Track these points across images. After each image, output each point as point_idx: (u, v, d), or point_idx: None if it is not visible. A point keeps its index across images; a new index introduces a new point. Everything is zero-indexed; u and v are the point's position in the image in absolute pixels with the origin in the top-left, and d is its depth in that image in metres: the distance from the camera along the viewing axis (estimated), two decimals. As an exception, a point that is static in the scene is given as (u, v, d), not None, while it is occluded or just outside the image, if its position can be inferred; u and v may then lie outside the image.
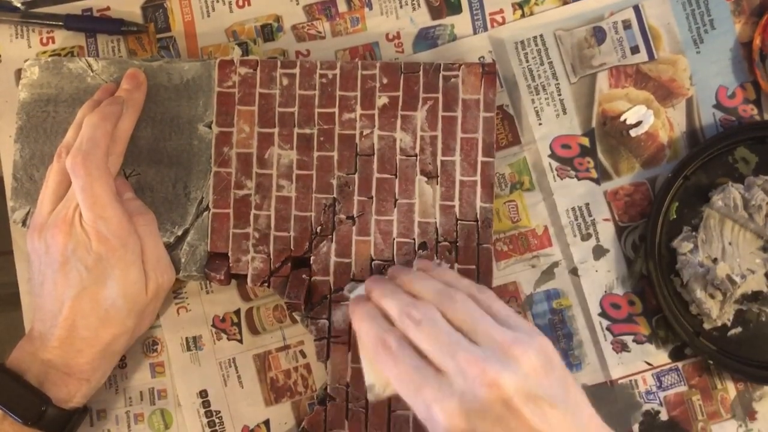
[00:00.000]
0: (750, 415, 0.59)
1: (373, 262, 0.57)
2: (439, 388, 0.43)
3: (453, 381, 0.42)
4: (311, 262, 0.58)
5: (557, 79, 0.62)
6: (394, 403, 0.56)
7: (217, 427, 0.60)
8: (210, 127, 0.60)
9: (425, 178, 0.58)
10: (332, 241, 0.58)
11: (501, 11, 0.63)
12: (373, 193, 0.58)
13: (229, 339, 0.61)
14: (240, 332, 0.61)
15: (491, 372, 0.42)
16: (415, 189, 0.58)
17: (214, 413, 0.60)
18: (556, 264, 0.60)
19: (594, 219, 0.61)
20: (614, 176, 0.61)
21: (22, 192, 0.60)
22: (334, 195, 0.58)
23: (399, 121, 0.58)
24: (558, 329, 0.60)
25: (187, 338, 0.61)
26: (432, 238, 0.57)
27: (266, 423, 0.60)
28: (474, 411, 0.42)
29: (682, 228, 0.59)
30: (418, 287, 0.48)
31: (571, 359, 0.59)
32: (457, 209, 0.57)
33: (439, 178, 0.58)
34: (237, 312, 0.61)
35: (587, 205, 0.61)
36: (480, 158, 0.57)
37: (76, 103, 0.60)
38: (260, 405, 0.60)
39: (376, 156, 0.58)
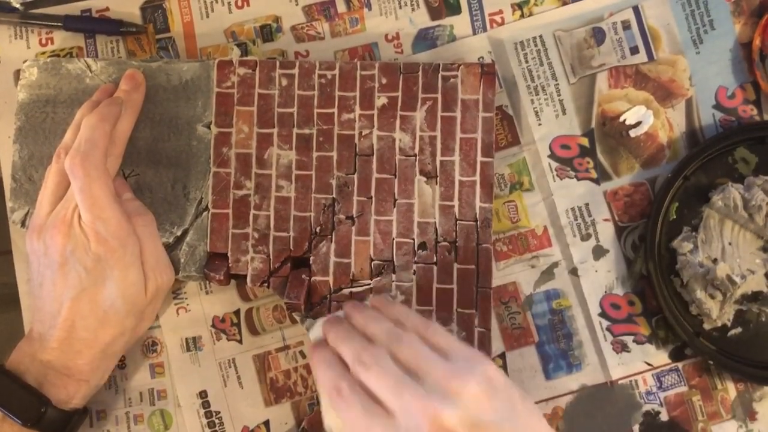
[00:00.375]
0: (750, 415, 0.59)
1: (372, 262, 0.57)
2: (386, 429, 0.44)
3: (399, 421, 0.44)
4: (311, 262, 0.58)
5: (557, 80, 0.62)
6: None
7: (216, 428, 0.60)
8: (209, 128, 0.60)
9: (424, 178, 0.58)
10: (332, 242, 0.58)
11: (500, 12, 0.63)
12: (373, 193, 0.58)
13: (228, 339, 0.61)
14: (240, 333, 0.61)
15: (431, 408, 0.43)
16: (414, 189, 0.58)
17: (214, 414, 0.60)
18: (555, 264, 0.60)
19: (594, 219, 0.61)
20: (614, 176, 0.61)
21: (21, 193, 0.60)
22: (334, 195, 0.58)
23: (398, 122, 0.58)
24: (558, 329, 0.60)
25: (186, 339, 0.61)
26: (431, 238, 0.57)
27: (266, 423, 0.60)
28: None
29: (682, 228, 0.59)
30: (370, 330, 0.50)
31: (571, 359, 0.59)
32: (456, 209, 0.57)
33: (438, 178, 0.58)
34: (236, 312, 0.61)
35: (587, 205, 0.61)
36: (479, 158, 0.57)
37: (74, 103, 0.60)
38: (260, 405, 0.60)
39: (375, 156, 0.58)
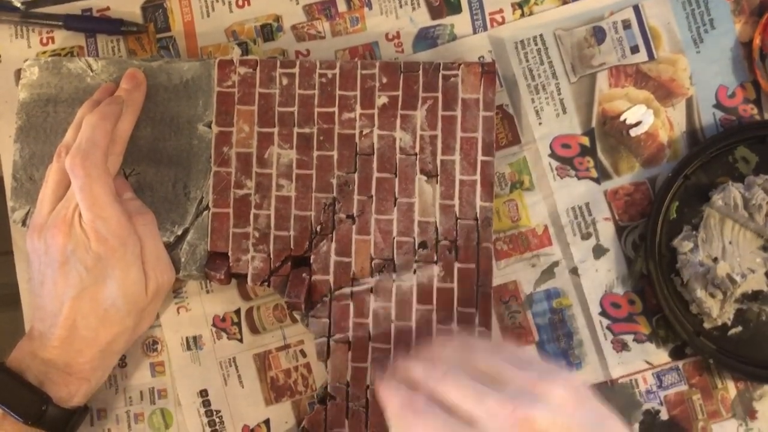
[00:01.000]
0: (750, 414, 0.59)
1: (373, 261, 0.57)
2: None
3: (485, 427, 0.41)
4: (311, 261, 0.58)
5: (557, 79, 0.62)
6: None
7: (217, 427, 0.60)
8: (210, 127, 0.60)
9: (425, 178, 0.58)
10: (332, 240, 0.58)
11: (501, 11, 0.63)
12: (373, 192, 0.58)
13: (229, 338, 0.61)
14: (240, 331, 0.61)
15: (522, 409, 0.40)
16: (414, 188, 0.58)
17: (215, 413, 0.60)
18: (556, 263, 0.60)
19: (594, 218, 0.61)
20: (614, 176, 0.61)
21: (21, 192, 0.60)
22: (334, 194, 0.58)
23: (398, 121, 0.58)
24: (558, 329, 0.60)
25: (187, 338, 0.61)
26: (432, 237, 0.57)
27: (266, 422, 0.60)
28: None
29: (683, 227, 0.59)
30: (438, 352, 0.47)
31: (571, 358, 0.59)
32: (456, 208, 0.57)
33: (438, 178, 0.58)
34: (237, 311, 0.61)
35: (587, 204, 0.61)
36: (480, 157, 0.57)
37: (75, 103, 0.60)
38: (260, 404, 0.60)
39: (375, 155, 0.58)
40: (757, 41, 0.61)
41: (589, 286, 0.60)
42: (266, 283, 0.58)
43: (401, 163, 0.58)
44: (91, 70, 0.61)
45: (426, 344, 0.50)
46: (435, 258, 0.57)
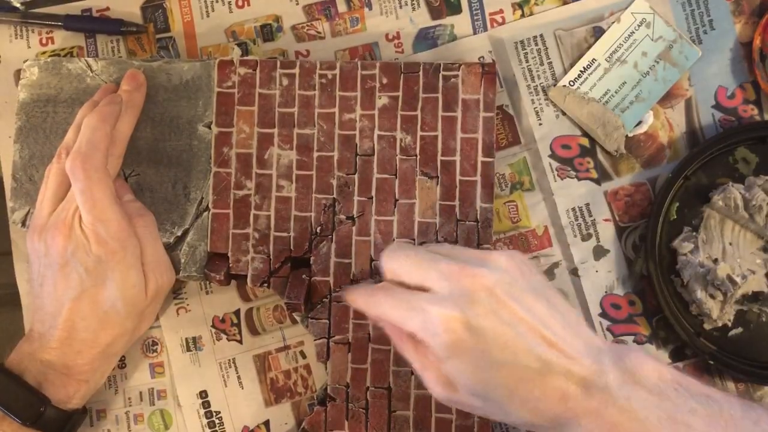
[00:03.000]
0: (750, 415, 0.58)
1: (373, 263, 0.57)
2: (428, 298, 0.45)
3: (439, 287, 0.45)
4: (311, 262, 0.58)
5: (557, 80, 0.62)
6: (394, 403, 0.56)
7: (217, 428, 0.60)
8: (209, 128, 0.60)
9: (425, 178, 0.58)
10: (332, 242, 0.58)
11: (501, 11, 0.63)
12: (373, 193, 0.58)
13: (228, 339, 0.61)
14: (240, 333, 0.61)
15: (470, 269, 0.44)
16: (415, 189, 0.58)
17: (214, 414, 0.60)
18: (556, 264, 0.60)
19: (594, 219, 0.61)
20: (614, 176, 0.61)
21: (21, 192, 0.60)
22: (334, 195, 0.58)
23: (399, 121, 0.58)
24: (558, 329, 0.60)
25: (186, 339, 0.61)
26: (432, 238, 0.57)
27: (266, 423, 0.60)
28: (463, 302, 0.43)
29: (683, 228, 0.59)
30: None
31: (572, 359, 0.59)
32: (457, 209, 0.57)
33: (439, 179, 0.58)
34: (237, 312, 0.61)
35: (587, 205, 0.61)
36: (480, 158, 0.57)
37: (75, 103, 0.60)
38: (260, 405, 0.60)
39: (375, 156, 0.58)
40: (757, 42, 0.61)
41: (589, 287, 0.60)
42: (266, 284, 0.58)
43: (401, 164, 0.58)
44: (91, 71, 0.61)
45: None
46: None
